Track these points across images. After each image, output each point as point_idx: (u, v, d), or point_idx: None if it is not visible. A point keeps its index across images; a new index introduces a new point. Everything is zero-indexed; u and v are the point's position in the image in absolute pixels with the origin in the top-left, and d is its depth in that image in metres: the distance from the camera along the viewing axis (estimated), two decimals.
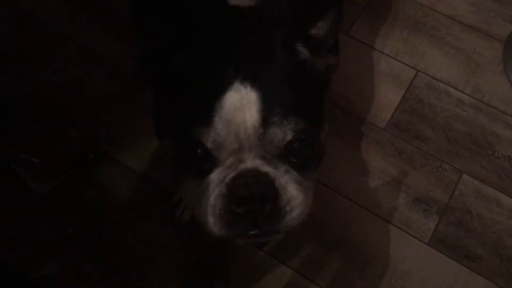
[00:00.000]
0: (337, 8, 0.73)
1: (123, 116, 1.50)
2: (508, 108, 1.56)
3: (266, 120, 0.63)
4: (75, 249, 1.31)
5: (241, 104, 0.62)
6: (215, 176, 0.65)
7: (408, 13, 1.72)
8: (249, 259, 1.32)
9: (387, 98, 1.58)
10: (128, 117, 1.50)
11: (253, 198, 0.62)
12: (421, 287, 1.32)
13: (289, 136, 0.64)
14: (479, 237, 1.38)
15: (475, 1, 1.75)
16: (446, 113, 1.55)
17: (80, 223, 1.35)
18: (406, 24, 1.70)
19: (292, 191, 0.65)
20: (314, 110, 0.73)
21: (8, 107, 1.42)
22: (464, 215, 1.40)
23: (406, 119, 1.54)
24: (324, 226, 1.37)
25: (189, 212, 1.30)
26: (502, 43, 1.67)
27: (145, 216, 1.37)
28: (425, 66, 1.63)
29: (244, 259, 1.32)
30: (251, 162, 0.64)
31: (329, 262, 1.33)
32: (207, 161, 0.65)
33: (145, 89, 0.83)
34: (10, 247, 1.29)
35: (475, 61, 1.64)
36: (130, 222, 1.35)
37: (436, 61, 1.64)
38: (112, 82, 1.56)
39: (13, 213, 1.33)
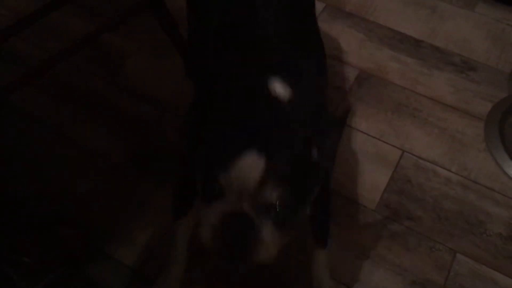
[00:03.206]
0: (339, 133, 0.97)
1: (115, 210, 1.51)
2: (495, 185, 1.59)
3: (264, 183, 0.85)
4: None
5: (251, 166, 0.85)
6: (219, 204, 0.88)
7: (390, 95, 1.79)
8: None
9: (375, 179, 1.60)
10: (120, 211, 1.50)
11: (231, 234, 0.88)
12: None
13: (274, 201, 0.86)
14: None
15: (454, 82, 1.83)
16: (435, 192, 1.57)
17: None
18: (389, 106, 1.76)
19: (265, 236, 0.87)
20: (303, 194, 0.94)
21: None
22: None
23: (396, 199, 1.56)
24: None
25: None
26: (482, 121, 1.72)
27: None
28: (410, 146, 1.67)
29: None
30: (245, 205, 0.86)
31: None
32: (219, 192, 0.88)
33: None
34: None
35: (459, 140, 1.69)
36: None
37: (420, 141, 1.68)
38: (102, 176, 1.58)
39: None
